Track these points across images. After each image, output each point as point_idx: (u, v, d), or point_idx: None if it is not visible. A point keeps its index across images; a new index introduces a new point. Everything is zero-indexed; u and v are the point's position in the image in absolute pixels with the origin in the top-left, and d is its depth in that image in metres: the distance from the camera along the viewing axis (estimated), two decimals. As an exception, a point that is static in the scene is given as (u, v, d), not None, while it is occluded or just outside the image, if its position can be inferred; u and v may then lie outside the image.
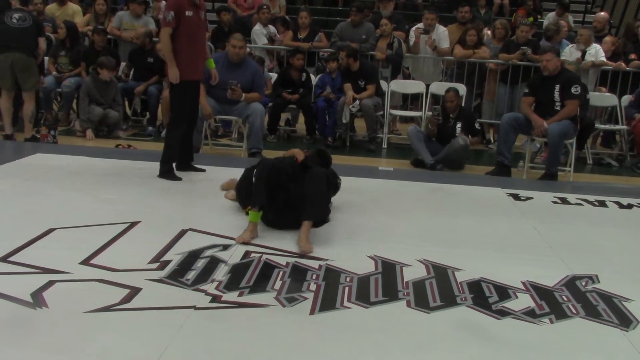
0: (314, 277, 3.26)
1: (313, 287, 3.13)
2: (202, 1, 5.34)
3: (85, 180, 4.91)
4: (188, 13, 5.10)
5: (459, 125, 6.59)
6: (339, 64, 7.46)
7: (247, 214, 3.91)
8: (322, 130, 7.66)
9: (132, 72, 8.00)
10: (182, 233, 3.79)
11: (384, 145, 7.69)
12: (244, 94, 6.33)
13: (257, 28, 8.60)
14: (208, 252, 3.49)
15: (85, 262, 3.26)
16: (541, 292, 3.24)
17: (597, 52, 7.85)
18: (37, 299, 2.80)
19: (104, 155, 5.90)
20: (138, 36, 7.80)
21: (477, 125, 6.59)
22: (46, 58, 7.80)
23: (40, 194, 4.46)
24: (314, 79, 7.89)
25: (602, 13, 9.65)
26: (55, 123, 6.91)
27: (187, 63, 5.17)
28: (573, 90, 6.11)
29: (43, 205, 4.19)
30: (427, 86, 7.89)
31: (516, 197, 5.30)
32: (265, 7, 8.90)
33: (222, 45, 7.42)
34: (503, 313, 2.98)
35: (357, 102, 7.19)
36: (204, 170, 5.36)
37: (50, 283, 2.96)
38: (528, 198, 5.29)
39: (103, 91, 7.24)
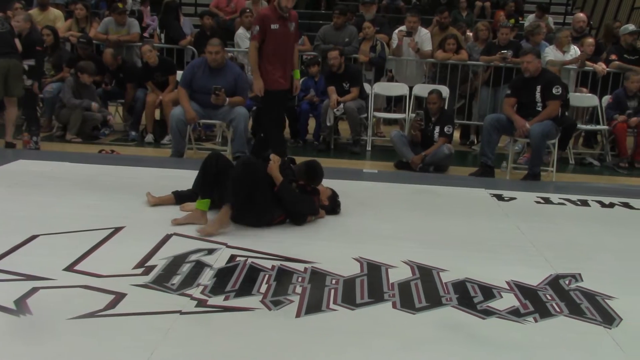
0: (300, 280, 3.26)
1: (299, 290, 3.13)
2: (293, 13, 5.36)
3: (69, 186, 4.88)
4: (274, 26, 5.17)
5: (437, 129, 6.62)
6: (331, 65, 7.39)
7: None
8: (304, 133, 7.67)
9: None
10: (167, 238, 3.78)
11: (368, 148, 7.72)
12: (227, 99, 6.33)
13: (241, 32, 8.59)
14: (193, 257, 3.48)
15: (69, 268, 3.24)
16: (525, 292, 3.27)
17: (575, 54, 7.95)
18: (21, 306, 2.77)
19: (87, 160, 5.86)
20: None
21: (446, 130, 6.61)
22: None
23: (23, 201, 4.42)
24: (298, 83, 7.89)
25: (581, 14, 9.76)
26: (38, 129, 6.85)
27: (272, 74, 5.22)
28: (554, 90, 6.17)
29: (26, 211, 4.15)
30: (411, 88, 7.93)
31: (500, 197, 5.34)
32: (248, 10, 8.89)
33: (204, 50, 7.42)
34: (488, 313, 3.00)
35: (341, 105, 7.21)
36: None
37: (34, 290, 2.94)
38: (511, 198, 5.33)
39: (82, 92, 7.29)
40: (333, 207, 4.48)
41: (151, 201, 4.45)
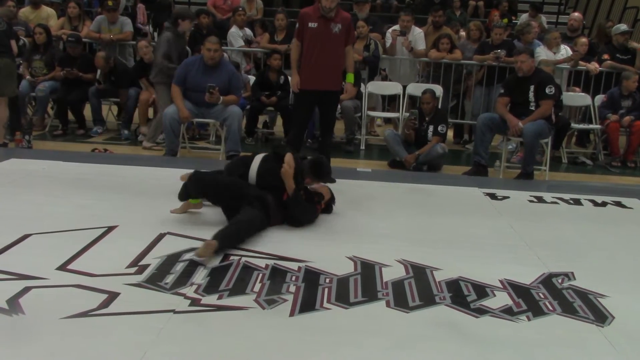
0: (294, 278, 3.26)
1: (292, 288, 3.13)
2: (345, 15, 5.38)
3: (61, 185, 4.86)
4: (311, 24, 5.20)
5: (430, 128, 6.63)
6: None
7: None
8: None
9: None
10: (160, 237, 3.77)
11: (362, 147, 7.72)
12: (221, 97, 6.32)
13: (234, 30, 8.59)
14: (186, 256, 3.47)
15: (62, 267, 3.22)
16: (518, 290, 3.28)
17: (566, 54, 7.98)
18: (13, 306, 2.76)
19: (79, 159, 5.84)
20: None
21: (440, 129, 6.63)
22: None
23: (15, 200, 4.41)
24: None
25: (576, 13, 9.80)
26: (30, 128, 6.82)
27: (305, 72, 5.30)
28: (547, 90, 6.19)
29: (18, 210, 4.13)
30: (404, 87, 7.94)
31: (493, 196, 5.35)
32: (241, 9, 8.89)
33: (199, 48, 7.39)
34: (481, 311, 3.01)
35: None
36: (334, 181, 5.33)
37: (26, 289, 2.92)
38: (505, 197, 5.35)
39: (179, 50, 6.81)
40: (328, 204, 4.48)
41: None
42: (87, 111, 7.85)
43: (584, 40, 8.28)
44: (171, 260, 3.40)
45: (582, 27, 9.76)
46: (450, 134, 8.36)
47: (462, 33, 9.18)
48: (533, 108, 6.24)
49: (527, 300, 3.15)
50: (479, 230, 4.34)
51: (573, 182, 6.43)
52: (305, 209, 4.16)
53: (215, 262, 3.42)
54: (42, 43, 7.74)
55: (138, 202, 4.50)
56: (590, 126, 7.92)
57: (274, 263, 3.46)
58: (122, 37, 8.22)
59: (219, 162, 6.21)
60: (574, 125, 7.87)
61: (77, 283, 3.04)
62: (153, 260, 3.39)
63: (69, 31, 8.26)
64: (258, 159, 4.28)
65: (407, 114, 7.21)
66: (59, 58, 7.76)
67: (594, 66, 7.94)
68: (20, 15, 8.61)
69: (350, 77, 5.56)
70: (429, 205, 5.00)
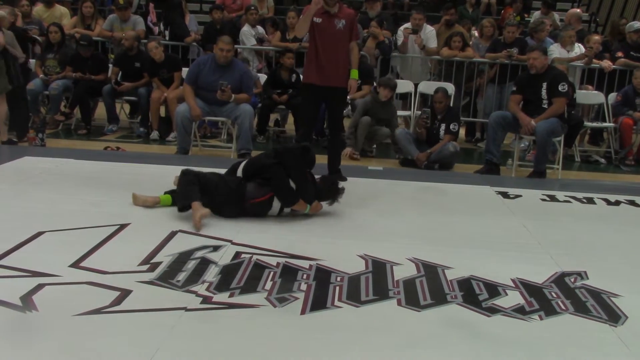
0: (305, 277, 3.26)
1: (304, 287, 3.13)
2: (348, 11, 5.40)
3: (74, 183, 4.89)
4: (316, 20, 5.23)
5: (443, 127, 6.61)
6: None
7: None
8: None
9: (119, 74, 7.89)
10: (172, 234, 3.78)
11: (373, 145, 7.69)
12: (233, 95, 6.33)
13: (246, 29, 8.60)
14: (198, 254, 3.49)
15: (75, 265, 3.24)
16: (530, 289, 3.26)
17: (580, 52, 7.93)
18: (27, 303, 2.78)
19: (92, 157, 5.88)
20: (127, 37, 7.67)
21: (452, 127, 6.61)
22: (32, 60, 7.80)
23: (29, 197, 4.44)
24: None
25: (575, 10, 9.73)
26: (43, 126, 6.87)
27: (310, 69, 5.34)
28: (560, 88, 6.15)
29: (31, 208, 4.16)
30: (416, 85, 7.92)
31: (505, 195, 5.33)
32: (253, 8, 8.90)
33: (211, 47, 7.39)
34: (493, 310, 3.00)
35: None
36: (345, 179, 5.31)
37: (39, 286, 2.95)
38: (517, 196, 5.32)
39: (381, 111, 7.02)
40: (330, 189, 4.43)
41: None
42: (101, 109, 7.90)
43: (597, 37, 8.22)
44: (183, 258, 3.42)
45: (595, 24, 9.69)
46: (462, 132, 8.30)
47: (474, 32, 9.14)
48: (546, 106, 6.20)
49: (539, 300, 3.14)
50: (491, 229, 4.32)
51: (586, 180, 6.39)
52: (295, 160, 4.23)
53: (227, 259, 3.43)
54: (56, 42, 7.78)
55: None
56: (604, 124, 7.87)
57: (285, 261, 3.46)
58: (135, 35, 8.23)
59: (231, 160, 6.22)
60: (587, 123, 7.82)
61: (90, 280, 3.06)
62: (165, 258, 3.40)
63: (82, 30, 8.31)
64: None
65: (419, 112, 7.19)
66: (70, 58, 7.78)
67: (607, 63, 7.88)
68: (33, 14, 8.66)
69: (354, 74, 5.55)
70: (440, 203, 4.98)
